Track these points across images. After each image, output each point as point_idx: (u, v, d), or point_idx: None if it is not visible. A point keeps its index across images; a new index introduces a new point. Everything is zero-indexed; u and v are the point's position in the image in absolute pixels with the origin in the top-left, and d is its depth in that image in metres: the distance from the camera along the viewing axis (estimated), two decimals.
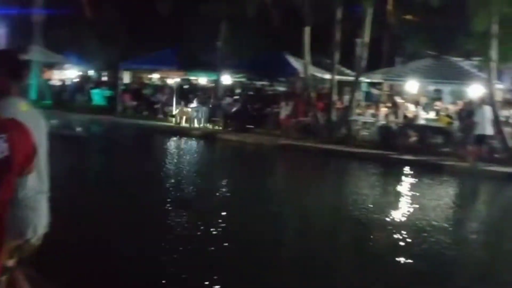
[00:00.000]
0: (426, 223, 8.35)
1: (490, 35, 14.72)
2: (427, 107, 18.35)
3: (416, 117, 16.82)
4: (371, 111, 18.29)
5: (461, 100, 17.53)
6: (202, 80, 25.58)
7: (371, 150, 15.63)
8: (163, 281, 5.41)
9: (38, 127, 2.76)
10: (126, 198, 8.58)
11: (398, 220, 8.66)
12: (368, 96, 21.27)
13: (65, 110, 19.80)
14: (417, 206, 9.70)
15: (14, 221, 2.48)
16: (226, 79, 21.16)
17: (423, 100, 19.24)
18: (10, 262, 2.73)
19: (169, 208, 8.37)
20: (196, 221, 7.63)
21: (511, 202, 11.35)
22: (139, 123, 20.04)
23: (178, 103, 20.68)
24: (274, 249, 6.80)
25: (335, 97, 18.30)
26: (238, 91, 23.71)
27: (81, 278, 5.01)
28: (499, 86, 16.12)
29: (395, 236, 7.57)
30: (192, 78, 24.80)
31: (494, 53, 14.80)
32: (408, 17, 20.92)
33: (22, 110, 2.73)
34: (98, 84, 25.20)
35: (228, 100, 21.25)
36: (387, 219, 8.63)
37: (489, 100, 14.72)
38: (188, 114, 20.04)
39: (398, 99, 18.83)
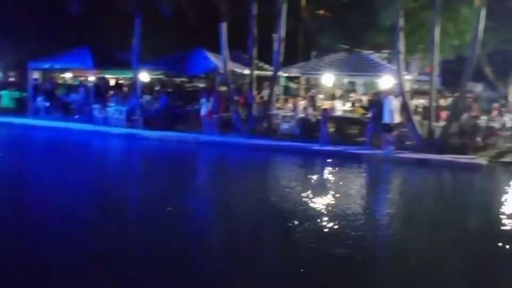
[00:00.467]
0: (345, 209, 8.75)
1: (397, 29, 15.57)
2: (342, 99, 19.10)
3: (332, 109, 17.43)
4: (290, 104, 18.75)
5: (371, 91, 18.43)
6: (119, 78, 24.90)
7: (292, 143, 16.03)
8: None
9: None
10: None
11: (319, 208, 8.99)
12: (287, 90, 21.75)
13: None
14: (335, 193, 10.12)
15: None
16: (144, 76, 20.72)
17: (339, 92, 19.99)
18: None
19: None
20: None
21: (421, 185, 12.15)
22: (52, 125, 19.19)
23: (96, 103, 20.04)
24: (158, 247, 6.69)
25: (254, 92, 18.55)
26: (157, 88, 23.33)
27: None
28: (407, 77, 17.05)
29: (317, 223, 7.89)
30: (108, 76, 24.05)
31: (401, 46, 15.66)
32: (321, 12, 21.54)
33: None
34: (5, 85, 23.81)
35: (147, 98, 20.85)
36: (310, 207, 8.95)
37: (398, 90, 15.55)
38: (107, 114, 19.50)
39: (314, 92, 19.45)
